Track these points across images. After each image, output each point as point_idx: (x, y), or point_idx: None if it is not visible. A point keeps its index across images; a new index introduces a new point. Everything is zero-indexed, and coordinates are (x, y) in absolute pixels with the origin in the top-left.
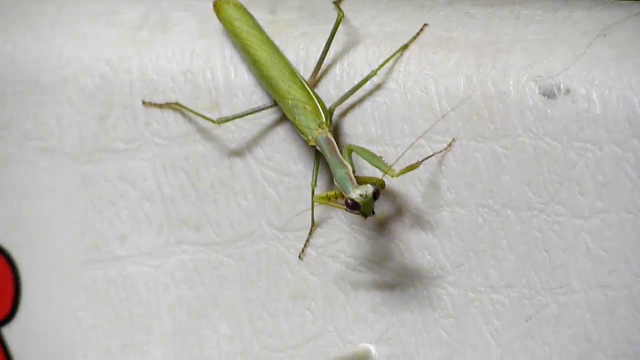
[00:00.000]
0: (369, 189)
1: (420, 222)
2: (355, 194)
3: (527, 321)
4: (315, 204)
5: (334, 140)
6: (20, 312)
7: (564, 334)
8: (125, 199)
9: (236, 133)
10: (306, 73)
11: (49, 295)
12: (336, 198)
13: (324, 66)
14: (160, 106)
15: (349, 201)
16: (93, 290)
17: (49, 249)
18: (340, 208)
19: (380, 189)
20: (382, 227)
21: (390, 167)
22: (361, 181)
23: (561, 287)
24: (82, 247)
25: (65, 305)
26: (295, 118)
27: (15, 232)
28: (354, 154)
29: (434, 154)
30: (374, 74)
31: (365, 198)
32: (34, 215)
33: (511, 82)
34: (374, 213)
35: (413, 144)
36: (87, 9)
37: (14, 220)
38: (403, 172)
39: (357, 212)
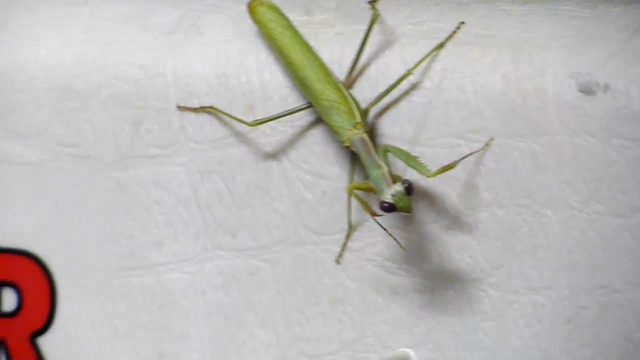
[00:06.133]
0: (399, 186)
1: (458, 223)
2: (387, 195)
3: (567, 323)
4: (352, 199)
5: (369, 141)
6: (55, 322)
7: (605, 334)
8: (160, 204)
9: (271, 136)
10: (341, 73)
11: (84, 303)
12: (369, 190)
13: (358, 66)
14: (195, 110)
15: (384, 204)
16: (129, 297)
17: (83, 257)
18: (371, 214)
19: (412, 184)
20: (420, 229)
21: (426, 167)
22: (396, 180)
23: (602, 287)
24: (118, 254)
25: (101, 313)
26: (329, 119)
27: (49, 240)
28: (389, 154)
29: (470, 154)
30: (409, 73)
31: (397, 196)
32: (68, 222)
33: (548, 79)
34: (410, 209)
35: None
36: (120, 13)
37: (48, 228)
38: (439, 172)
39: (394, 212)
